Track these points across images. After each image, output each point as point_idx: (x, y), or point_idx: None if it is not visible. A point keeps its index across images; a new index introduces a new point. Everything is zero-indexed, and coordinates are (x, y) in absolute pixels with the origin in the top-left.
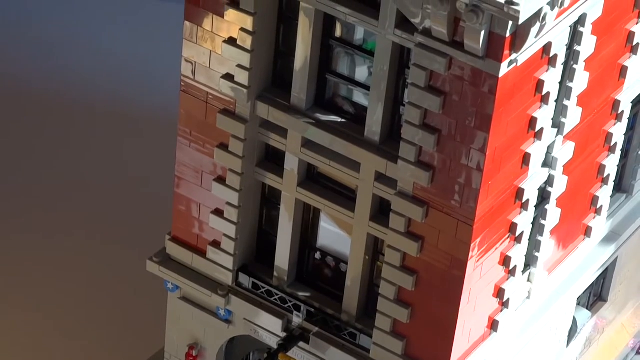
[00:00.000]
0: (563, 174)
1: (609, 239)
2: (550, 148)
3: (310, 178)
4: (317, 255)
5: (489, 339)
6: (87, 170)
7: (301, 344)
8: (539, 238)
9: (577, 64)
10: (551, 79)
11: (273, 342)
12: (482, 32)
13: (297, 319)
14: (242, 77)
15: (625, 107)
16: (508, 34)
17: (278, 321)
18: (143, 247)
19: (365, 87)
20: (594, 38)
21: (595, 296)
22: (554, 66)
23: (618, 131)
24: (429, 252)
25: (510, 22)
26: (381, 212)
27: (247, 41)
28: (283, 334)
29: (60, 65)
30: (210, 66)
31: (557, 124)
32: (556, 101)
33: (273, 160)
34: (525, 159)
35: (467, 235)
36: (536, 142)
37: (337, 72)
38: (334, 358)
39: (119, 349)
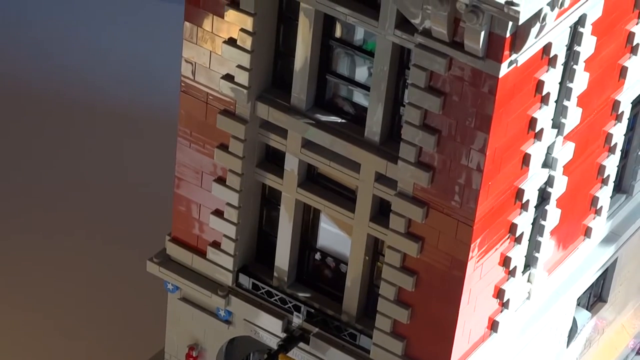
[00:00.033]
0: (563, 174)
1: (608, 239)
2: (550, 148)
3: (310, 179)
4: (317, 256)
5: (489, 339)
6: (87, 171)
7: (301, 344)
8: (539, 238)
9: (577, 64)
10: (551, 79)
11: (273, 343)
12: (482, 33)
13: (297, 320)
14: (242, 77)
15: (625, 108)
16: (508, 35)
17: (278, 322)
18: (143, 248)
19: (365, 87)
20: (594, 38)
21: (595, 297)
22: (554, 66)
23: (618, 132)
24: (429, 252)
25: (510, 23)
26: (381, 212)
27: (247, 42)
28: (283, 335)
29: (60, 66)
30: (210, 67)
31: (557, 125)
32: (556, 102)
33: (273, 160)
34: (525, 159)
35: (467, 235)
36: (536, 142)
37: (337, 73)
38: (334, 359)
39: (119, 349)
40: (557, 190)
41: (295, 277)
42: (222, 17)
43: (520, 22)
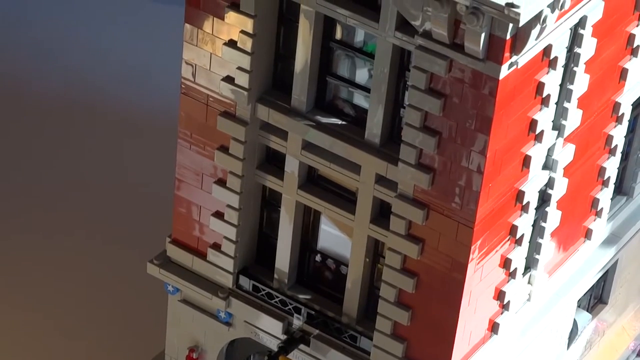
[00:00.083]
0: (563, 176)
1: (609, 241)
2: (550, 150)
3: (311, 180)
4: (318, 258)
5: (489, 341)
6: (87, 171)
7: (301, 346)
8: (540, 240)
9: (577, 66)
10: (551, 81)
11: (273, 345)
12: (483, 35)
13: (297, 322)
14: (243, 79)
15: (626, 110)
16: (508, 37)
17: (278, 324)
18: (143, 248)
19: (365, 89)
20: (595, 40)
21: (595, 298)
22: (554, 68)
23: (618, 133)
24: (430, 254)
25: (511, 25)
26: (381, 214)
27: (247, 43)
28: (283, 337)
29: (60, 66)
30: (210, 68)
31: (557, 127)
32: (556, 103)
33: (273, 162)
34: (526, 161)
35: (467, 237)
36: (536, 144)
37: (338, 75)
38: None
39: (119, 350)
40: (558, 192)
41: (295, 279)
42: (223, 19)
43: (521, 24)
